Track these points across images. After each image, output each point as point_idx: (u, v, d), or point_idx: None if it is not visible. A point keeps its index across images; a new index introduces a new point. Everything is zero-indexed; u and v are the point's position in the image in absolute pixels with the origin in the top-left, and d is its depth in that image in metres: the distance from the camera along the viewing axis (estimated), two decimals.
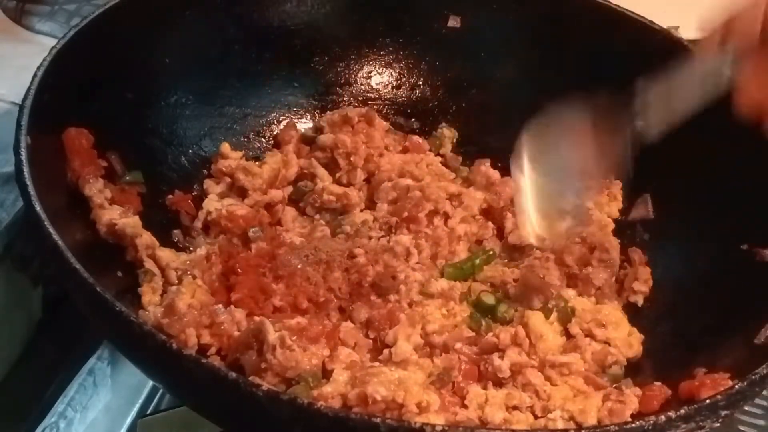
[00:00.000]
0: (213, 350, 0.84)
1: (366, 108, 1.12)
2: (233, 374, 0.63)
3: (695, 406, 0.67)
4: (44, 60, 0.84)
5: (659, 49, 1.04)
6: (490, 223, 1.04)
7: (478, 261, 0.99)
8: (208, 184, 1.02)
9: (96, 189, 0.87)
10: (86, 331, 0.99)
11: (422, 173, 1.06)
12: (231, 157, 1.03)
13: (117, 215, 0.87)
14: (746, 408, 0.98)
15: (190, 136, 1.03)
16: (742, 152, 0.94)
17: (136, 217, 0.89)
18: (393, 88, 1.17)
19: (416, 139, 1.13)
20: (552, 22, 1.11)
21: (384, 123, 1.12)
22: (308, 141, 1.10)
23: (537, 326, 0.89)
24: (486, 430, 0.78)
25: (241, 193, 1.01)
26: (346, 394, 0.78)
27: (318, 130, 1.10)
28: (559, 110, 0.87)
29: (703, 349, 0.86)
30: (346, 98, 1.15)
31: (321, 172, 1.05)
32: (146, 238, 0.88)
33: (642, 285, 0.98)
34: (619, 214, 1.04)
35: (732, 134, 0.96)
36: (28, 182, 0.74)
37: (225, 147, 1.04)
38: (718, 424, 0.69)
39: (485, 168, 1.08)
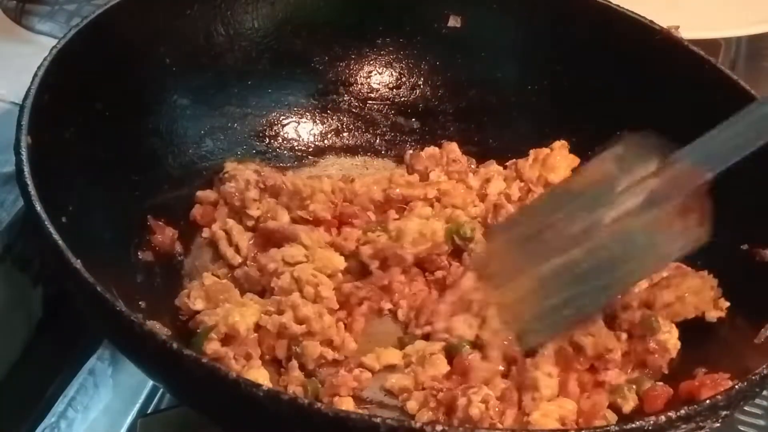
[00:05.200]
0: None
1: None
2: (233, 374, 0.63)
3: (695, 406, 0.66)
4: (44, 60, 0.84)
5: (659, 49, 1.04)
6: None
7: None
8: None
9: None
10: (86, 331, 0.99)
11: None
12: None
13: None
14: (746, 408, 0.98)
15: (190, 136, 1.03)
16: None
17: None
18: (393, 88, 1.17)
19: None
20: (552, 21, 1.11)
21: None
22: None
23: None
24: (485, 430, 0.78)
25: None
26: None
27: None
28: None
29: (703, 349, 0.86)
30: (346, 98, 1.15)
31: None
32: None
33: None
34: None
35: None
36: (29, 182, 0.74)
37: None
38: (718, 424, 0.69)
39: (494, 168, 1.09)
